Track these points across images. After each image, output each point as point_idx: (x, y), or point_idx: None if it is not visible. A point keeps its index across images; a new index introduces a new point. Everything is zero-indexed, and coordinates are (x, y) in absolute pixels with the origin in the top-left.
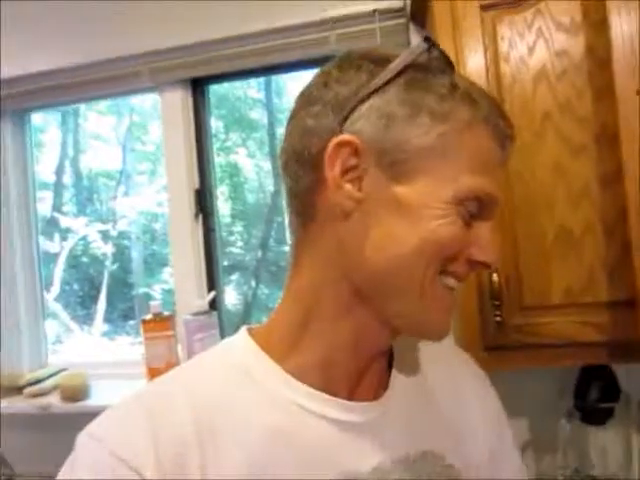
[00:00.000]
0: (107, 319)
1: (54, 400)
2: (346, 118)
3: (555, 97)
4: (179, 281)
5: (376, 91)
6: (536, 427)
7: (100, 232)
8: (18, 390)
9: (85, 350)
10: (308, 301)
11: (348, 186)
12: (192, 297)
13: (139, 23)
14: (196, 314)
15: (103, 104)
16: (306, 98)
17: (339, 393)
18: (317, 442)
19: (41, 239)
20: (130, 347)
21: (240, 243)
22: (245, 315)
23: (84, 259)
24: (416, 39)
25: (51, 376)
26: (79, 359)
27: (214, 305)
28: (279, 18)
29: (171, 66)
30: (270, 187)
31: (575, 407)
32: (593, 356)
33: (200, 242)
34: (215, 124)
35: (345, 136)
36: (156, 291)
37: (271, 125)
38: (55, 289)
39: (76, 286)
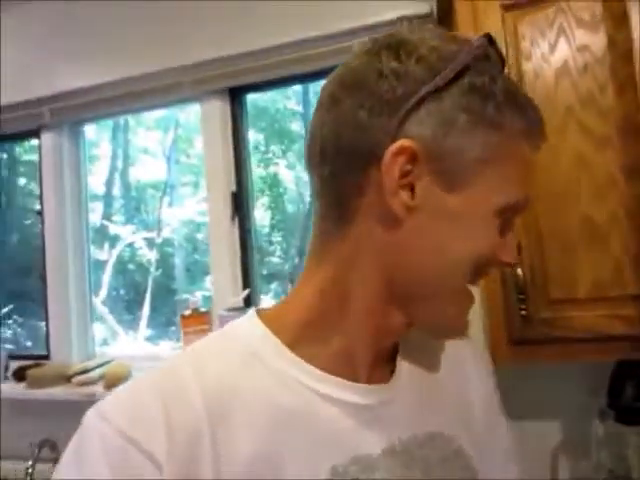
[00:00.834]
0: (151, 324)
1: (99, 389)
2: (404, 119)
3: (577, 91)
4: (217, 280)
5: (437, 92)
6: (568, 427)
7: (145, 239)
8: (67, 379)
9: (129, 353)
10: (335, 294)
11: (403, 193)
12: (228, 295)
13: (180, 37)
14: (231, 310)
15: (151, 119)
16: (356, 85)
17: (349, 376)
18: (327, 424)
19: (92, 247)
20: (172, 351)
21: (279, 253)
22: None
23: (130, 266)
24: None
25: (98, 367)
26: (124, 353)
27: (249, 303)
28: (311, 28)
29: (210, 77)
30: (309, 197)
31: (609, 406)
32: (622, 350)
33: (236, 243)
34: (255, 136)
35: (405, 142)
36: (197, 297)
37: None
38: (103, 293)
39: (122, 291)
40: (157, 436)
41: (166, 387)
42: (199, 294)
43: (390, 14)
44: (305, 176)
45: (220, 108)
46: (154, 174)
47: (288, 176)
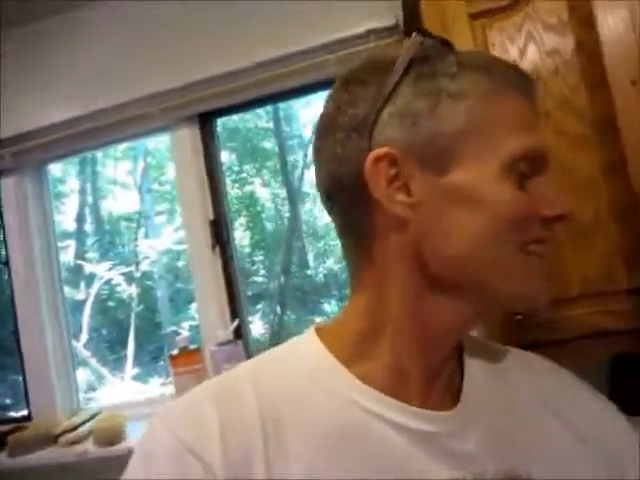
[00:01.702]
0: (137, 362)
1: (90, 446)
2: (371, 134)
3: (551, 95)
4: (203, 313)
5: (390, 96)
6: None
7: (124, 275)
8: (54, 440)
9: (117, 395)
10: (378, 316)
11: (399, 195)
12: (217, 328)
13: (144, 67)
14: (221, 344)
15: (118, 150)
16: (325, 128)
17: (409, 400)
18: (381, 447)
19: (67, 288)
20: (162, 388)
21: (263, 272)
22: (273, 343)
23: (110, 303)
24: None
25: (86, 421)
26: (112, 401)
27: (239, 334)
28: (278, 47)
29: (178, 104)
30: (287, 213)
31: (612, 399)
32: (621, 345)
33: (220, 272)
34: (229, 157)
35: (377, 150)
36: (184, 328)
37: (282, 152)
38: (84, 336)
39: (104, 331)
40: (213, 448)
41: (223, 394)
42: (186, 325)
43: (357, 28)
44: (282, 192)
45: (190, 135)
46: (126, 206)
47: (264, 194)
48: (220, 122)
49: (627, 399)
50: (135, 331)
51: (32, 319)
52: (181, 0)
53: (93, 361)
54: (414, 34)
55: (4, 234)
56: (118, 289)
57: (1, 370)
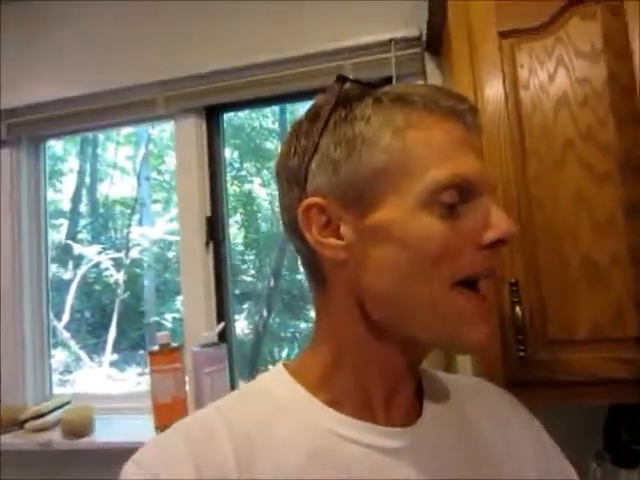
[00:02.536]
0: (116, 349)
1: (56, 436)
2: (305, 184)
3: (576, 125)
4: (188, 311)
5: (317, 146)
6: None
7: (113, 260)
8: (20, 424)
9: (93, 381)
10: (335, 347)
11: (331, 240)
12: (201, 327)
13: (155, 52)
14: (205, 346)
15: (121, 134)
16: (277, 176)
17: (376, 420)
18: (352, 466)
19: (54, 267)
20: (139, 377)
21: (252, 271)
22: (256, 345)
23: (96, 287)
24: (431, 68)
25: (55, 410)
26: (84, 390)
27: (224, 336)
28: (294, 47)
29: (185, 94)
30: None
31: (605, 448)
32: (623, 394)
33: (211, 271)
34: (230, 154)
35: (306, 201)
36: (168, 320)
37: None
38: (65, 317)
39: (87, 314)
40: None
41: (196, 434)
42: (169, 317)
43: (378, 36)
44: None
45: (195, 127)
46: (123, 191)
47: (262, 194)
48: (225, 118)
49: (619, 451)
50: (118, 317)
51: (12, 293)
52: None
53: (72, 343)
54: (334, 81)
55: None
56: (106, 273)
57: None
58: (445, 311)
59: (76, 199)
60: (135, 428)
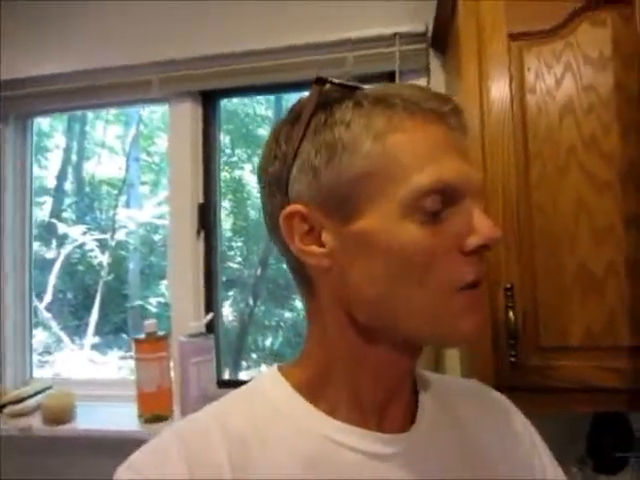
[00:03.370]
0: (98, 331)
1: (36, 422)
2: (287, 190)
3: (581, 132)
4: (176, 299)
5: (297, 152)
6: None
7: (98, 241)
8: None
9: (74, 363)
10: (327, 353)
11: (313, 247)
12: (189, 316)
13: (152, 32)
14: (192, 336)
15: (110, 113)
16: (259, 181)
17: (369, 427)
18: (347, 473)
19: (37, 245)
20: (121, 361)
21: (239, 259)
22: (242, 334)
23: (80, 267)
24: (435, 65)
25: (35, 394)
26: (66, 375)
27: (211, 327)
28: (297, 35)
29: (181, 77)
30: None
31: (587, 454)
32: (612, 403)
33: (201, 259)
34: (222, 139)
35: (288, 208)
36: (152, 304)
37: None
38: (47, 297)
39: (69, 295)
40: None
41: (191, 439)
42: (154, 301)
43: (383, 29)
44: None
45: (191, 112)
46: (111, 171)
47: (253, 181)
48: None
49: (601, 457)
50: (101, 300)
51: None
52: None
53: (54, 324)
54: (314, 83)
55: None
56: (90, 255)
57: None
58: (443, 311)
59: (61, 177)
60: (118, 416)
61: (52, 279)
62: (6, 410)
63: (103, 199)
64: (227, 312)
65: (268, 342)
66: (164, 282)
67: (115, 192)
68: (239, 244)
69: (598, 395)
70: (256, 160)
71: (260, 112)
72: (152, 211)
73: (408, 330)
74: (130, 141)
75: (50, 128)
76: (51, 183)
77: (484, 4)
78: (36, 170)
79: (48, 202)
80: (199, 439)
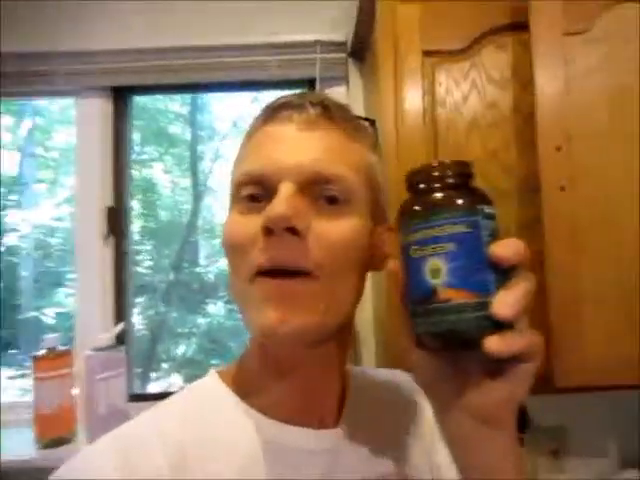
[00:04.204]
0: None
1: None
2: None
3: (484, 145)
4: (82, 309)
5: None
6: None
7: None
8: None
9: None
10: (255, 353)
11: None
12: (96, 328)
13: (56, 20)
14: (100, 349)
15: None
16: None
17: (305, 423)
18: (285, 470)
19: None
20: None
21: (148, 263)
22: (152, 343)
23: None
24: (354, 73)
25: None
26: None
27: (121, 338)
28: (218, 36)
29: (91, 71)
30: (185, 205)
31: None
32: None
33: (109, 266)
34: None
35: None
36: (48, 315)
37: (194, 141)
38: None
39: None
40: None
41: (129, 449)
42: (50, 312)
43: (304, 36)
44: (183, 182)
45: (100, 108)
46: (1, 167)
47: (164, 180)
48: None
49: None
50: None
51: None
52: None
53: None
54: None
55: None
56: None
57: None
58: (244, 300)
59: None
60: (11, 442)
61: None
62: None
63: None
64: (135, 320)
65: (180, 350)
66: (62, 290)
67: (5, 191)
68: (148, 247)
69: None
70: (168, 159)
71: (173, 109)
72: (49, 212)
73: (245, 321)
74: (25, 134)
75: None
76: None
77: (401, 22)
78: None
79: None
80: (136, 448)
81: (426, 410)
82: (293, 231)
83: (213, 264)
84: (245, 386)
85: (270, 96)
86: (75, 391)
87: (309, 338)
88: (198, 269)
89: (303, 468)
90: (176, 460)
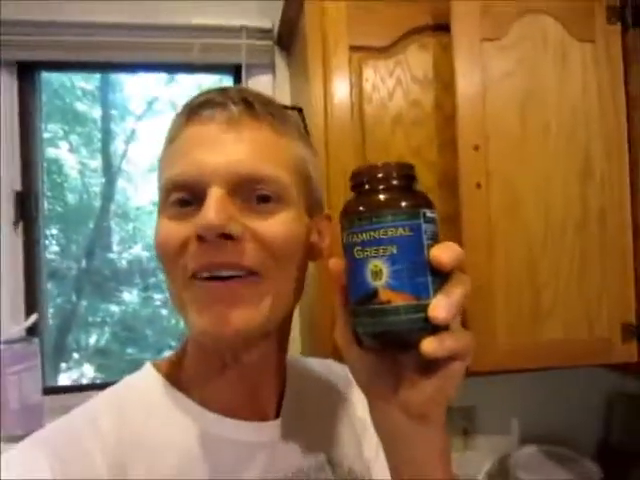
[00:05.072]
0: None
1: None
2: None
3: (408, 142)
4: None
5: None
6: None
7: None
8: None
9: None
10: (193, 346)
11: None
12: (6, 319)
13: None
14: (11, 342)
15: None
16: None
17: (244, 416)
18: (225, 464)
19: None
20: None
21: (56, 248)
22: (62, 332)
23: None
24: (280, 62)
25: None
26: None
27: (34, 330)
28: (136, 14)
29: None
30: (95, 187)
31: None
32: None
33: (19, 255)
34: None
35: None
36: None
37: (106, 121)
38: None
39: None
40: None
41: (61, 448)
42: None
43: (230, 21)
44: (94, 163)
45: (4, 84)
46: None
47: (71, 161)
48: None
49: None
50: None
51: None
52: None
53: None
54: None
55: None
56: None
57: None
58: (183, 305)
59: None
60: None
61: None
62: None
63: None
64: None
65: (93, 339)
66: None
67: None
68: (54, 232)
69: None
70: (75, 138)
71: (79, 84)
72: None
73: (185, 324)
74: None
75: None
76: None
77: (329, 16)
78: None
79: None
80: (72, 450)
81: (359, 402)
82: (227, 236)
83: (127, 250)
84: (184, 379)
85: (189, 79)
86: None
87: (252, 336)
88: (111, 255)
89: (243, 461)
90: (114, 459)
